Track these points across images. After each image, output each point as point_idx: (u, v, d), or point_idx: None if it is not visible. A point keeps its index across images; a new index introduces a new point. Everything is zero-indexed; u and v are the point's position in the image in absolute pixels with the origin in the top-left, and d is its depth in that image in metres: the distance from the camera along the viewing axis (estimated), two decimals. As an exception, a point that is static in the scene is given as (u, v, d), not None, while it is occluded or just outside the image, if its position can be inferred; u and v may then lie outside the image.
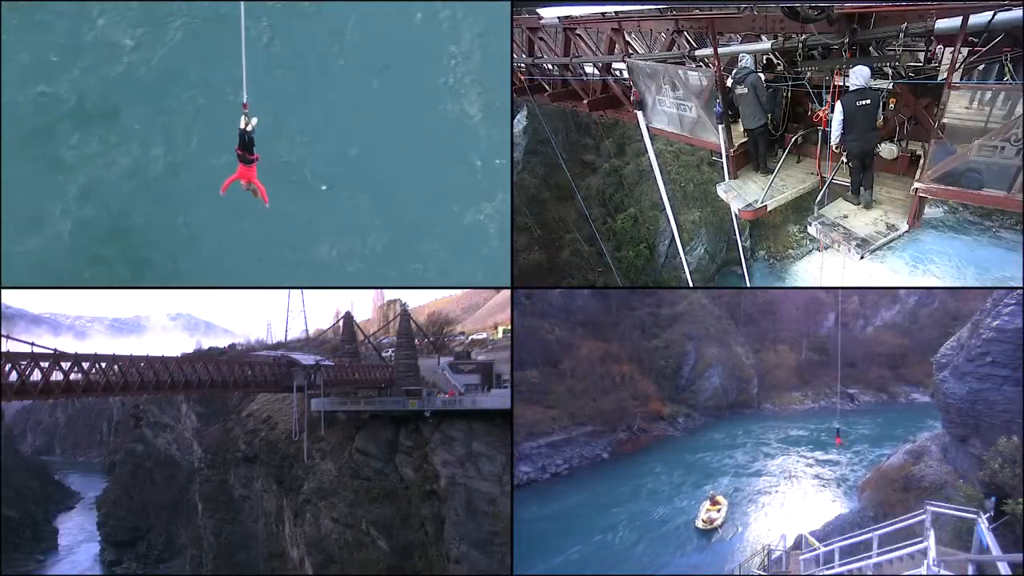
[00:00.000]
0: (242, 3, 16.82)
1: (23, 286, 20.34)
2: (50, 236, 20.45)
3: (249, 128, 17.05)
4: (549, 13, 22.44)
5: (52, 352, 24.18)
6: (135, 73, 21.62)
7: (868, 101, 12.40)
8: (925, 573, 12.04)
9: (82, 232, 20.54)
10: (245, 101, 16.84)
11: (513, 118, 36.85)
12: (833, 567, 15.47)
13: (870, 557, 14.27)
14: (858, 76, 12.38)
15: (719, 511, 37.23)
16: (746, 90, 14.52)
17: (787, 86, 15.12)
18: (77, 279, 20.40)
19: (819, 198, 14.04)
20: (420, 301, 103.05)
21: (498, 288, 60.34)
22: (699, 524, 36.45)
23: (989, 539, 12.17)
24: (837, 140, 12.86)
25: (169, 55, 21.83)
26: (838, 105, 12.56)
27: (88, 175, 20.86)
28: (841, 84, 13.15)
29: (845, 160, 13.41)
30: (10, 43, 21.20)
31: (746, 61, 14.87)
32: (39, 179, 20.63)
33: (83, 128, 21.12)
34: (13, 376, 22.65)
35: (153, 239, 20.80)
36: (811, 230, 14.02)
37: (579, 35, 22.17)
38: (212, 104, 21.36)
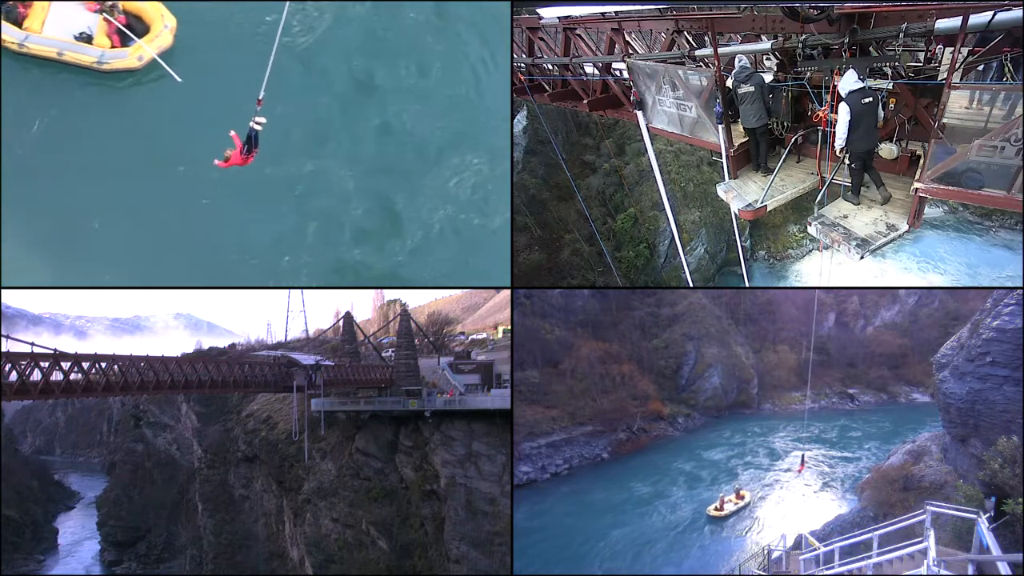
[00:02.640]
0: (287, 3, 17.11)
1: (25, 286, 20.40)
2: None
3: (255, 126, 17.39)
4: (549, 13, 22.42)
5: (52, 352, 24.17)
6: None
7: (871, 99, 12.39)
8: (925, 573, 12.03)
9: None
10: (261, 97, 17.04)
11: (513, 118, 36.82)
12: (833, 567, 15.45)
13: (870, 557, 14.26)
14: (849, 83, 12.40)
15: (735, 504, 37.54)
16: (752, 88, 14.47)
17: (787, 86, 15.11)
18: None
19: (819, 198, 14.02)
20: (420, 301, 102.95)
21: (498, 288, 60.33)
22: (710, 511, 36.88)
23: (989, 539, 12.16)
24: (843, 143, 12.78)
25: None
26: (844, 106, 12.46)
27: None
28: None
29: (848, 161, 13.34)
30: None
31: (745, 62, 14.79)
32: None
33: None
34: (13, 376, 22.65)
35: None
36: (811, 230, 13.99)
37: (579, 35, 22.15)
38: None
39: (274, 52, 16.82)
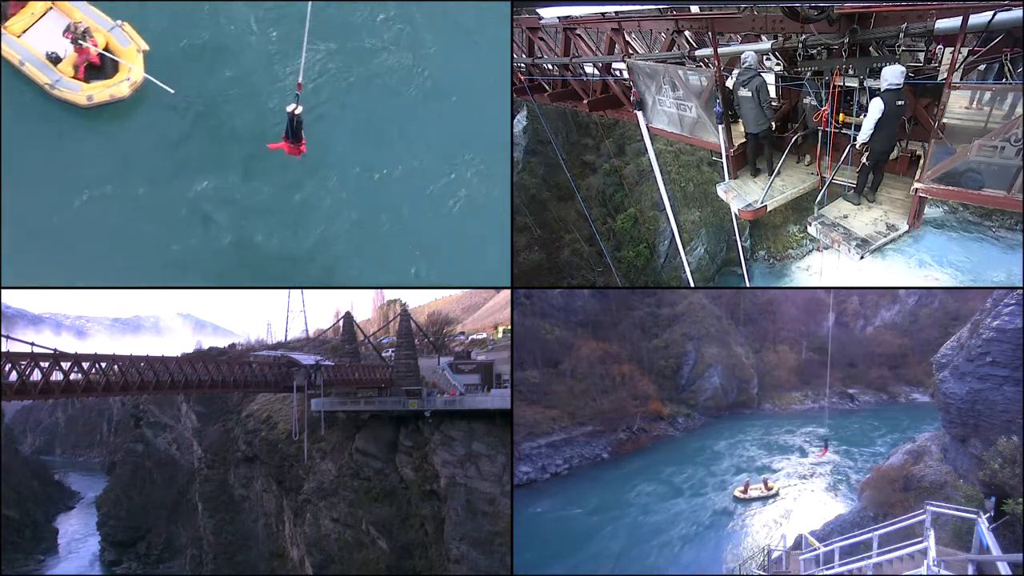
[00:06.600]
0: (310, 2, 17.29)
1: (26, 286, 20.41)
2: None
3: (297, 112, 17.70)
4: (549, 13, 22.44)
5: (52, 352, 24.18)
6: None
7: (903, 102, 12.23)
8: (925, 573, 12.03)
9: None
10: (300, 81, 17.11)
11: (513, 118, 36.83)
12: (833, 567, 15.45)
13: (870, 557, 14.27)
14: (897, 76, 12.05)
15: (760, 492, 38.41)
16: (749, 94, 14.35)
17: (789, 86, 15.11)
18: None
19: (819, 198, 14.02)
20: (420, 301, 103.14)
21: (498, 288, 60.32)
22: (736, 492, 37.85)
23: (989, 539, 12.16)
24: (866, 138, 12.50)
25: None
26: (877, 102, 12.18)
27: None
28: (858, 86, 13.01)
29: (865, 158, 13.15)
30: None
31: (750, 61, 14.57)
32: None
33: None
34: (13, 376, 22.65)
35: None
36: (811, 230, 14.00)
37: (579, 35, 22.17)
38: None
39: (307, 31, 16.77)
